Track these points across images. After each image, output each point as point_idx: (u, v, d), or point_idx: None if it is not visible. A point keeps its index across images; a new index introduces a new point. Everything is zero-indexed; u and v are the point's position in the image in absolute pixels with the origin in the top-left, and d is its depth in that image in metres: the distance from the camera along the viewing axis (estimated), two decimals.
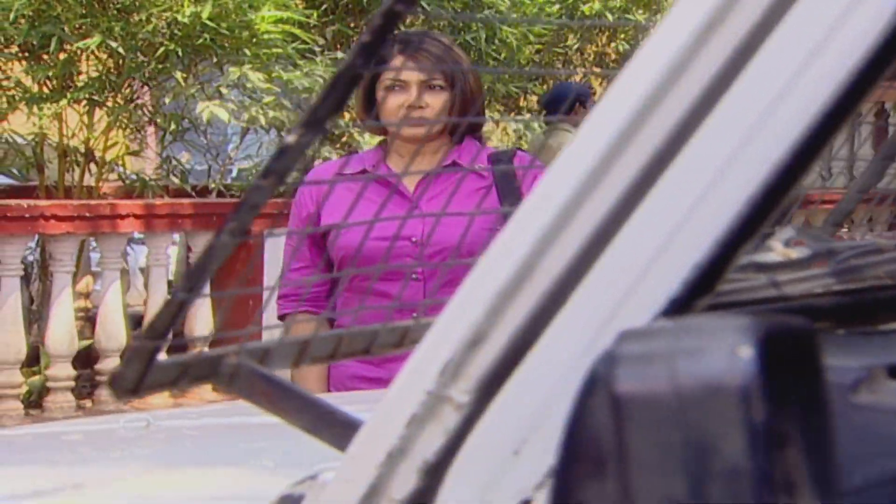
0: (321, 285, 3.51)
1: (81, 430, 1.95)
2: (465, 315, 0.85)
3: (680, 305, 0.79)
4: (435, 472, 0.85)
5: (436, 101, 3.34)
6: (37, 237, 6.80)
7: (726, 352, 0.69)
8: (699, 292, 0.80)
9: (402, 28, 8.63)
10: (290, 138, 0.92)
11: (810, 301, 1.06)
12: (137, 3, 7.11)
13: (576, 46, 9.92)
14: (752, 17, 0.78)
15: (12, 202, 6.31)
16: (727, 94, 0.79)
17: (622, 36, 9.98)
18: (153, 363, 0.94)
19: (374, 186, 3.41)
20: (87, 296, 7.86)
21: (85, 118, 7.52)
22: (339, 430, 0.97)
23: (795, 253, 1.13)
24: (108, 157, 7.74)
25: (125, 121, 7.51)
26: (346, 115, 7.92)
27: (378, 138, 4.26)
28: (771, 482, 0.65)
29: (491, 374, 0.84)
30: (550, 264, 0.82)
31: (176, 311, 0.94)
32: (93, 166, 7.70)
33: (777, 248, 1.12)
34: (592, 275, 0.82)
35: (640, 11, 9.78)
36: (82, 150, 7.62)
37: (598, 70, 9.92)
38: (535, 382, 0.83)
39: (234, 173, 8.64)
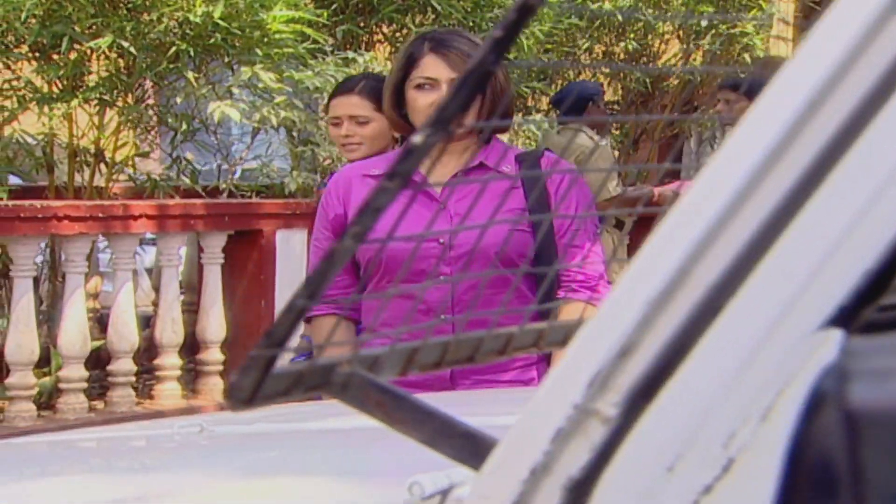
0: (347, 287, 3.47)
1: (137, 435, 1.90)
2: (614, 324, 0.81)
3: (849, 314, 0.75)
4: (580, 490, 0.81)
5: None
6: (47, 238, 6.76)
7: None
8: (868, 300, 0.76)
9: (414, 29, 8.57)
10: (417, 139, 0.88)
11: None
12: (149, 3, 7.06)
13: (585, 46, 9.88)
14: None
15: (25, 203, 6.26)
16: None
17: (631, 35, 9.93)
18: (270, 373, 0.90)
19: None
20: (95, 297, 7.82)
21: (95, 118, 7.48)
22: (459, 442, 0.93)
23: None
24: (119, 157, 7.69)
25: (136, 121, 7.47)
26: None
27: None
28: None
29: (641, 385, 0.80)
30: (706, 271, 0.78)
31: (295, 318, 0.90)
32: (102, 167, 7.66)
33: None
34: (751, 282, 0.78)
35: (650, 10, 9.73)
36: (92, 150, 7.57)
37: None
38: (690, 394, 0.79)
39: (238, 174, 8.59)
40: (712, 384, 0.79)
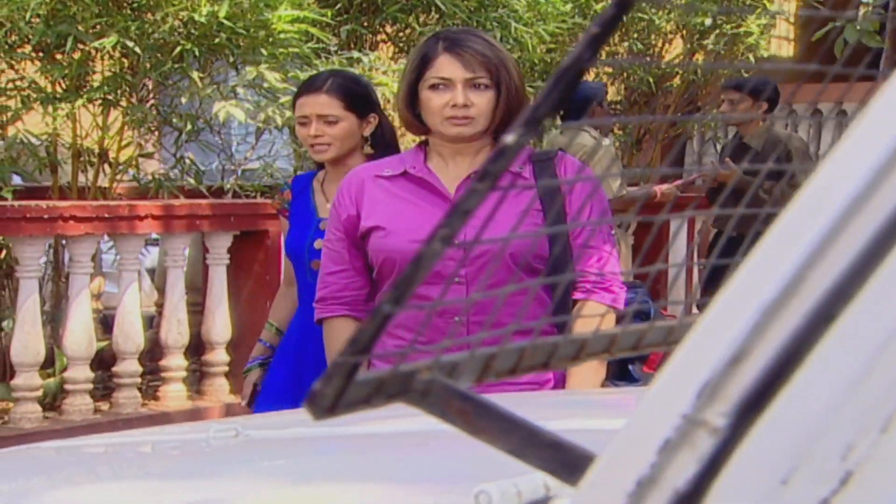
0: (360, 288, 3.45)
1: (172, 440, 1.87)
2: (724, 331, 0.78)
3: None
4: (688, 503, 0.78)
5: (481, 100, 3.28)
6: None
7: None
8: None
9: (419, 28, 8.53)
10: (509, 138, 0.85)
11: None
12: (153, 3, 7.03)
13: None
14: None
15: (32, 203, 6.23)
16: None
17: (635, 35, 9.91)
18: (353, 380, 0.87)
19: (412, 188, 3.35)
20: (98, 297, 7.79)
21: (99, 119, 7.45)
22: (547, 452, 0.90)
23: None
24: (122, 157, 7.66)
25: (139, 121, 7.44)
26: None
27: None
28: None
29: (753, 395, 0.77)
30: (822, 276, 0.75)
31: (381, 324, 0.87)
32: (106, 167, 7.63)
33: None
34: (869, 288, 0.75)
35: (654, 11, 9.71)
36: (96, 150, 7.54)
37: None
38: (804, 404, 0.76)
39: (239, 174, 8.56)
40: (828, 393, 0.76)
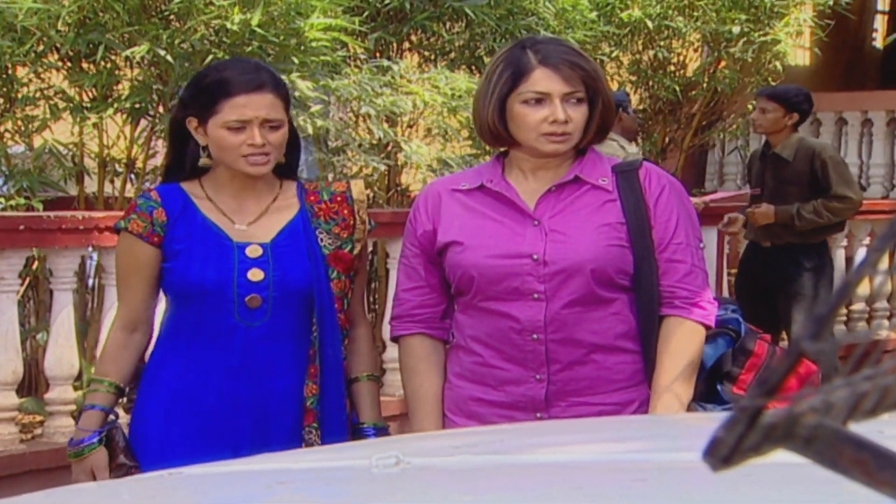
0: (436, 305, 3.34)
1: (329, 469, 1.74)
2: None
3: None
4: None
5: (577, 115, 3.17)
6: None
7: None
8: None
9: (447, 36, 8.39)
10: None
11: None
12: (185, 11, 6.91)
13: (614, 53, 9.75)
14: None
15: (67, 214, 6.09)
16: None
17: (661, 43, 9.81)
18: (755, 426, 0.76)
19: (490, 202, 3.25)
20: None
21: (126, 128, 7.32)
22: None
23: None
24: (149, 167, 7.54)
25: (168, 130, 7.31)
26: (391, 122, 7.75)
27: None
28: None
29: None
30: None
31: (796, 362, 0.75)
32: (132, 176, 7.51)
33: None
34: None
35: (680, 18, 9.61)
36: (123, 160, 7.42)
37: None
38: None
39: None
40: None
